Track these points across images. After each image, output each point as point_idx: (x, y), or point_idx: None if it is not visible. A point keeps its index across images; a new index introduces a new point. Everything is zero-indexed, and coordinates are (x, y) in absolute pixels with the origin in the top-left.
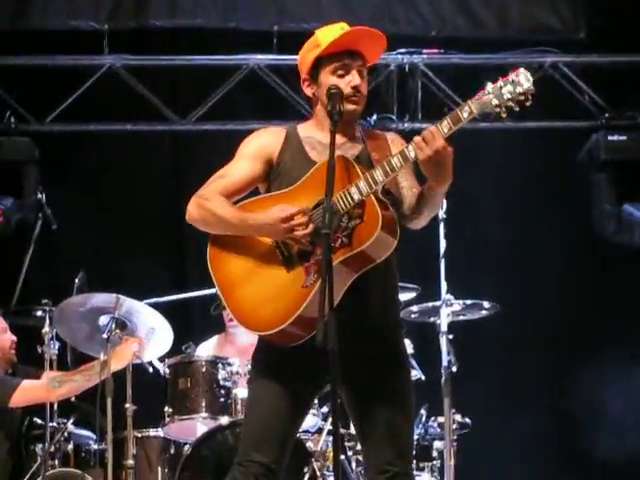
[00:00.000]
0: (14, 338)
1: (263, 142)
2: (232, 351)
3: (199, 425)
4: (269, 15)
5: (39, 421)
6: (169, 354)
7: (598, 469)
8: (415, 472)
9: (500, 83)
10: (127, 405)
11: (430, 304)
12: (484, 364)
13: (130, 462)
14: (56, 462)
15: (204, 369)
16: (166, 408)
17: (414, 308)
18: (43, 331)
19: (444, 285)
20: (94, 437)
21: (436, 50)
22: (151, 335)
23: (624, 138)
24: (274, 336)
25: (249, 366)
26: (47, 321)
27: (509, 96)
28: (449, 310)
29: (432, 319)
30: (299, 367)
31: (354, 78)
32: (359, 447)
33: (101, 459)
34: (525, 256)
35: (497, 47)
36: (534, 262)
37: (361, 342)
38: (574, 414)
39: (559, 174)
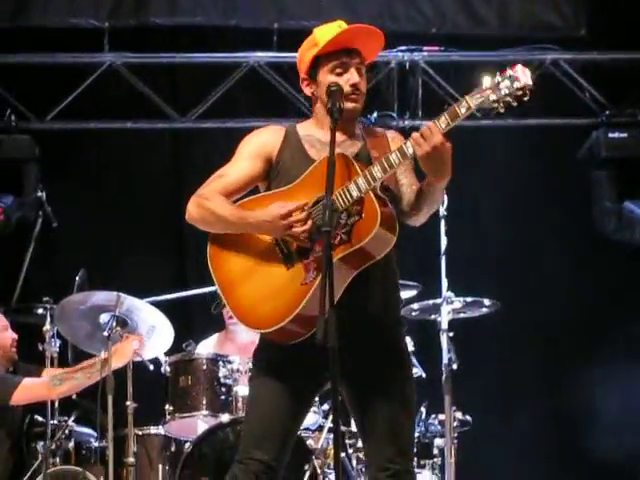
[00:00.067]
0: (15, 336)
1: (262, 141)
2: (232, 349)
3: (200, 423)
4: (269, 13)
5: (40, 419)
6: (170, 352)
7: (597, 467)
8: (416, 470)
9: (498, 78)
10: (128, 403)
11: (431, 302)
12: (485, 362)
13: (131, 460)
14: (57, 460)
15: (205, 367)
16: (167, 406)
17: (415, 306)
18: (44, 329)
19: (445, 283)
20: (95, 435)
21: (437, 47)
22: (152, 333)
23: (625, 135)
24: (274, 334)
25: (250, 364)
26: (48, 319)
27: (507, 91)
28: (450, 308)
29: (433, 317)
30: (300, 365)
31: (353, 76)
32: (360, 444)
33: (102, 457)
34: (526, 253)
35: (498, 44)
36: (535, 259)
37: (361, 339)
38: (574, 412)
39: (559, 171)
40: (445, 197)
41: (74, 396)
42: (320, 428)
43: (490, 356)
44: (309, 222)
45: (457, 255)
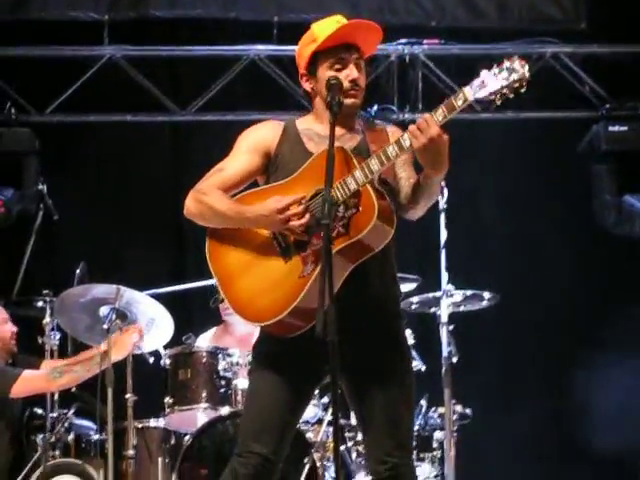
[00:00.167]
0: (15, 329)
1: (261, 135)
2: (231, 341)
3: (199, 415)
4: (269, 6)
5: (40, 411)
6: (169, 345)
7: (597, 461)
8: (415, 463)
9: (495, 70)
10: (127, 395)
11: (431, 295)
12: (484, 355)
13: (130, 452)
14: (57, 452)
15: (204, 360)
16: (166, 399)
17: (414, 299)
18: (44, 322)
19: (445, 276)
20: (95, 427)
21: (436, 41)
22: (151, 325)
23: (625, 129)
24: (272, 327)
25: (249, 357)
26: (48, 312)
27: (504, 83)
28: (449, 301)
29: (432, 310)
30: (299, 358)
31: (352, 72)
32: (359, 438)
33: (102, 449)
34: (526, 247)
35: (497, 37)
36: (535, 253)
37: (360, 332)
38: (574, 405)
39: (559, 165)
40: (445, 190)
41: (74, 389)
42: (320, 421)
43: (490, 349)
44: (306, 215)
45: (457, 248)
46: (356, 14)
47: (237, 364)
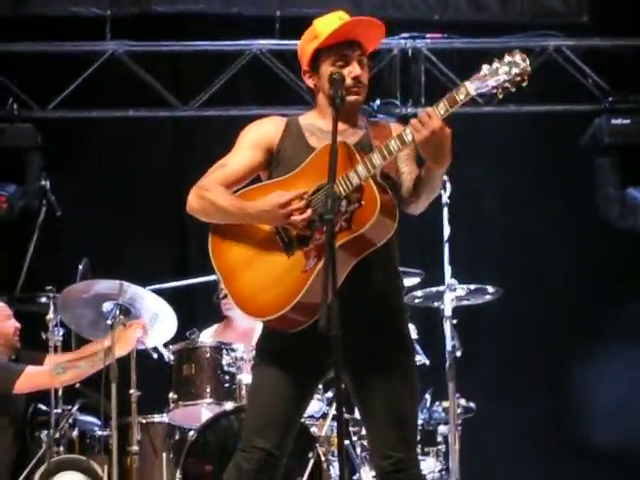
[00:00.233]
0: (18, 325)
1: (263, 130)
2: (233, 336)
3: (204, 411)
4: (271, 0)
5: (44, 407)
6: (173, 340)
7: (600, 454)
8: (420, 457)
9: (496, 64)
10: (131, 391)
11: (434, 289)
12: (488, 348)
13: (135, 448)
14: (61, 448)
15: (208, 355)
16: (171, 394)
17: (418, 293)
18: (47, 317)
19: (448, 270)
20: (99, 423)
21: (439, 34)
22: (155, 321)
23: (628, 122)
24: (275, 322)
25: (253, 352)
26: (51, 308)
27: (505, 77)
28: (453, 295)
29: (436, 304)
30: (302, 353)
31: (354, 69)
32: (364, 432)
33: (106, 445)
34: (529, 240)
35: (500, 31)
36: (538, 246)
37: (364, 326)
38: (578, 399)
39: (562, 158)
40: (448, 184)
41: (78, 385)
42: (324, 416)
43: (494, 343)
44: (308, 210)
45: (460, 242)
46: (359, 8)
47: (241, 359)
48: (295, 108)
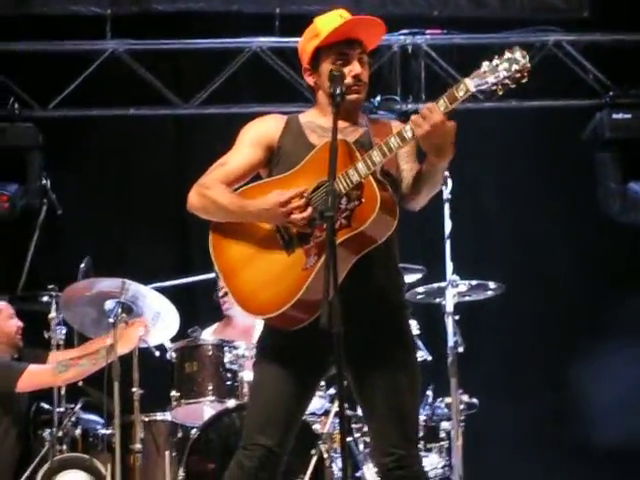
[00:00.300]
0: (20, 324)
1: (263, 128)
2: (233, 334)
3: (206, 409)
4: None
5: (46, 406)
6: (175, 338)
7: (602, 451)
8: (423, 453)
9: (496, 61)
10: (134, 389)
11: (436, 285)
12: (490, 344)
13: (138, 446)
14: (64, 447)
15: (210, 353)
16: (173, 392)
17: (420, 289)
18: (49, 316)
19: (450, 266)
20: (102, 422)
21: (439, 30)
22: (157, 319)
23: (629, 116)
24: (275, 319)
25: (255, 349)
26: (53, 306)
27: (505, 74)
28: (455, 291)
29: (438, 300)
30: (303, 350)
31: (355, 67)
32: (366, 429)
33: (109, 443)
34: (530, 235)
35: (500, 26)
36: (539, 241)
37: (365, 323)
38: (580, 395)
39: (564, 153)
40: (449, 180)
41: (80, 383)
42: (326, 413)
43: (496, 339)
44: (309, 209)
45: (462, 238)
46: (358, 5)
47: (243, 356)
48: (295, 105)
